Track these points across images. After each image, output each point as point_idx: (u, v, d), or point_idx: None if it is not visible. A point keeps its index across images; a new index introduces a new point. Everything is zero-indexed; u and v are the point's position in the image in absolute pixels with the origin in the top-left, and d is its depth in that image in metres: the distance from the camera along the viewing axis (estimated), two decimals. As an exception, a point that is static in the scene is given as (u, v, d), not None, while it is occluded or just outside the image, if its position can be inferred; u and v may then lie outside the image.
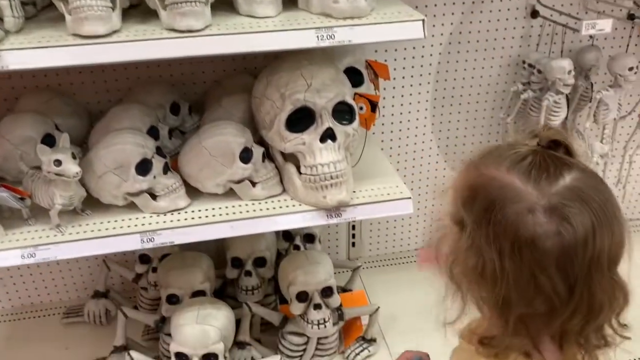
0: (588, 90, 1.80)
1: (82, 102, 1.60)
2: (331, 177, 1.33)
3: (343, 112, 1.36)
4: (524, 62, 1.80)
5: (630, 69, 1.70)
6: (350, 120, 1.37)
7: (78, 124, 1.53)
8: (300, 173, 1.37)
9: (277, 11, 1.24)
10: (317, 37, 1.16)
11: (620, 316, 0.80)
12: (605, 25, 1.52)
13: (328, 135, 1.32)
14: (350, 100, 1.37)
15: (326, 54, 1.43)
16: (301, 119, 1.33)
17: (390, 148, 1.95)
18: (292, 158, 1.40)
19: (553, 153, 0.78)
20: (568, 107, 1.74)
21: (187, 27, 1.12)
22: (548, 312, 0.76)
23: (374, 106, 1.45)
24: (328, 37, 1.17)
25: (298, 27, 1.17)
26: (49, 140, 1.37)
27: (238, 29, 1.15)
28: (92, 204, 1.35)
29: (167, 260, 1.65)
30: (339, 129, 1.34)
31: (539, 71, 1.73)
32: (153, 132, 1.45)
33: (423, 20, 1.20)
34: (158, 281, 1.66)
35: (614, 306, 0.78)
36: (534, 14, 1.79)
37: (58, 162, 1.22)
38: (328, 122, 1.32)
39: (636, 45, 1.93)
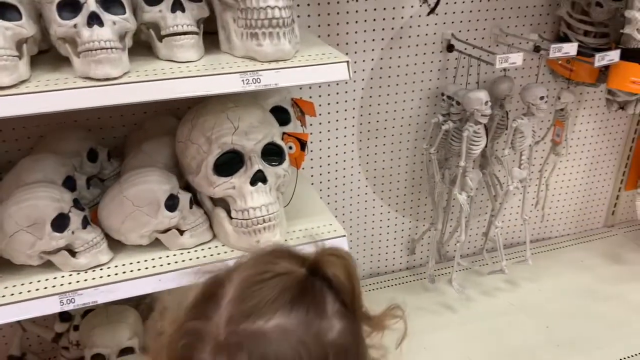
0: (504, 119, 1.88)
1: (-14, 153, 1.48)
2: (264, 221, 1.29)
3: (272, 153, 1.33)
4: (442, 94, 1.86)
5: (542, 98, 1.79)
6: (280, 161, 1.34)
7: (-17, 177, 1.40)
8: (230, 218, 1.33)
9: (199, 55, 1.20)
10: (243, 81, 1.13)
11: None
12: (517, 58, 1.60)
13: (258, 178, 1.29)
14: (279, 141, 1.35)
15: (251, 94, 1.40)
16: (229, 163, 1.29)
17: (320, 182, 1.94)
18: (221, 202, 1.35)
19: None
20: (487, 135, 1.81)
21: (104, 76, 1.05)
22: None
23: (303, 145, 1.43)
24: (254, 81, 1.14)
25: (222, 71, 1.13)
26: (-51, 198, 1.25)
27: (159, 75, 1.10)
28: (1, 265, 1.23)
29: (90, 317, 1.53)
30: (270, 171, 1.31)
31: (458, 103, 1.79)
32: (69, 183, 1.35)
33: (347, 62, 1.21)
34: (81, 340, 1.54)
35: None
36: (450, 47, 1.86)
37: (-38, 224, 1.11)
38: (258, 164, 1.29)
39: (543, 74, 2.05)
